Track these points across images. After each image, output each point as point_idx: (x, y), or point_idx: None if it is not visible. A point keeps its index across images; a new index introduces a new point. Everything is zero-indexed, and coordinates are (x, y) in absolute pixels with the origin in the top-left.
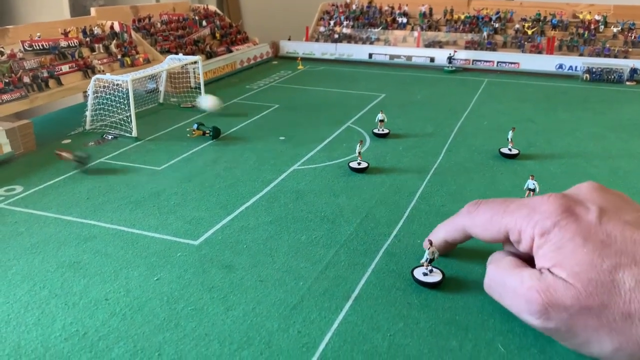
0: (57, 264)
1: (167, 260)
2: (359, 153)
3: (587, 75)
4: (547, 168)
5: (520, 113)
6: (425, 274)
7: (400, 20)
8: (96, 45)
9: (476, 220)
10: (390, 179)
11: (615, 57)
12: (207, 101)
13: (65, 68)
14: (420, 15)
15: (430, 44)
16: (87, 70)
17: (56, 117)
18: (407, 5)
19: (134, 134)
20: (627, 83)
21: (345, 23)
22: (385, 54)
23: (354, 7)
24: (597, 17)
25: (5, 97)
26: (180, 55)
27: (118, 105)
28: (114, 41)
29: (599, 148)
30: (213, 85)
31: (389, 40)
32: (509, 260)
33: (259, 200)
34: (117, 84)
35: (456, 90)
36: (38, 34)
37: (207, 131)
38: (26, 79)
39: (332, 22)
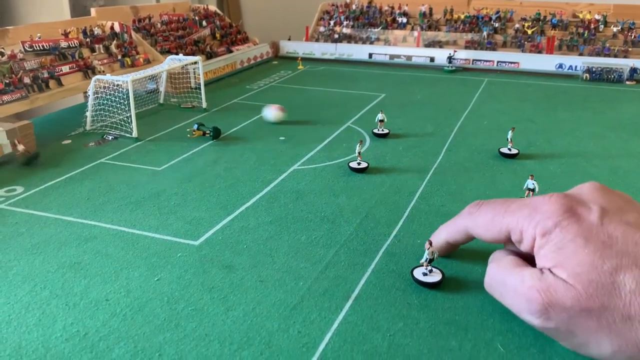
0: (57, 265)
1: (168, 261)
2: (359, 153)
3: (587, 75)
4: (546, 168)
5: (520, 113)
6: (425, 274)
7: (400, 20)
8: (96, 46)
9: (478, 220)
10: (390, 178)
11: (615, 56)
12: (271, 112)
13: (65, 69)
14: (420, 15)
15: (430, 44)
16: (88, 70)
17: (57, 118)
18: (407, 5)
19: (135, 134)
20: (627, 82)
21: (345, 23)
22: (385, 54)
23: (353, 7)
24: (597, 17)
25: (5, 97)
26: (181, 56)
27: (118, 105)
28: (114, 42)
29: (599, 148)
30: (213, 85)
31: (389, 40)
32: (510, 259)
33: (259, 201)
34: (118, 85)
35: (456, 90)
36: (38, 34)
37: (208, 131)
38: (26, 80)
39: (332, 22)
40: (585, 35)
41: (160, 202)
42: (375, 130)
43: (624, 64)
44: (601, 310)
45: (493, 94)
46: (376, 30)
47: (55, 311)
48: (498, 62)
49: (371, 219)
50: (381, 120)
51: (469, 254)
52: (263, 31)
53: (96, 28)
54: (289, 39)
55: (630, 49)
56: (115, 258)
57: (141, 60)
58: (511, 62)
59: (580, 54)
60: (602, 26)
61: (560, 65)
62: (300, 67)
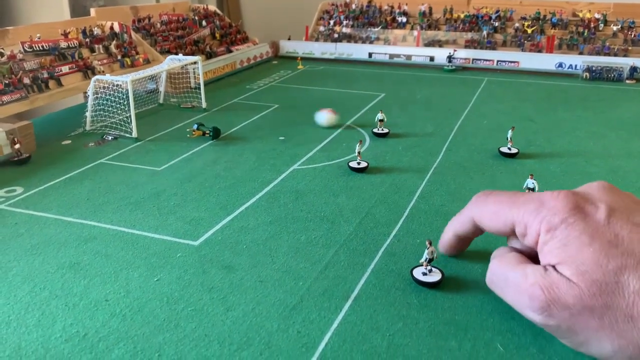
0: (57, 265)
1: (167, 261)
2: (359, 153)
3: (587, 74)
4: (546, 167)
5: (520, 112)
6: (424, 274)
7: (399, 19)
8: (96, 46)
9: (484, 210)
10: (389, 178)
11: (615, 55)
12: (323, 116)
13: (65, 69)
14: (419, 14)
15: (430, 43)
16: (87, 71)
17: (56, 118)
18: (406, 4)
19: (134, 134)
20: (627, 81)
21: (345, 22)
22: (385, 54)
23: (353, 6)
24: (596, 16)
25: (5, 98)
26: (180, 56)
27: (118, 105)
28: (114, 42)
29: (599, 147)
30: (213, 85)
31: (388, 39)
32: (513, 255)
33: (259, 201)
34: (117, 85)
35: (456, 89)
36: (38, 35)
37: (207, 131)
38: (26, 80)
39: (331, 22)
40: (585, 34)
41: (160, 202)
42: (375, 130)
43: (624, 62)
44: (604, 310)
45: (493, 93)
46: (376, 29)
47: (54, 312)
48: (498, 61)
49: (371, 218)
50: (381, 120)
51: (469, 254)
52: (263, 31)
53: (96, 28)
54: (289, 39)
55: (630, 48)
56: (114, 258)
57: (141, 60)
58: (511, 62)
59: (580, 53)
60: (602, 25)
61: (560, 65)
62: (300, 66)
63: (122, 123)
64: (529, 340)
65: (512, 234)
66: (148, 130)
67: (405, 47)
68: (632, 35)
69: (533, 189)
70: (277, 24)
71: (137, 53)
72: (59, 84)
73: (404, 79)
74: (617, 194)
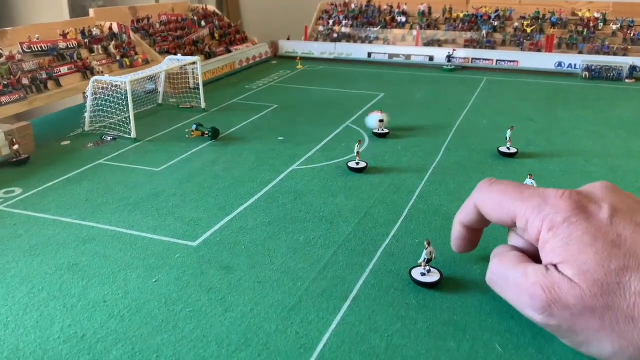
0: (56, 266)
1: (166, 262)
2: (358, 153)
3: (587, 73)
4: (546, 167)
5: (520, 112)
6: (423, 274)
7: (399, 19)
8: (95, 47)
9: (487, 198)
10: (388, 178)
11: (615, 54)
12: (373, 121)
13: (64, 69)
14: (419, 14)
15: (429, 43)
16: (86, 71)
17: (55, 119)
18: (406, 4)
19: (133, 135)
20: (627, 81)
21: (344, 22)
22: (385, 53)
23: (353, 6)
24: (596, 15)
25: (4, 99)
26: (179, 56)
27: (117, 106)
28: (113, 42)
29: (599, 146)
30: (212, 85)
31: (388, 39)
32: (514, 254)
33: (258, 201)
34: (116, 85)
35: (455, 89)
36: (37, 35)
37: (206, 132)
38: (25, 81)
39: (331, 22)
40: (585, 33)
41: (159, 203)
42: (375, 130)
43: (623, 62)
44: (605, 310)
45: (492, 92)
46: (375, 29)
47: (53, 313)
48: (497, 60)
49: (370, 219)
50: (380, 120)
51: (467, 254)
52: (262, 31)
53: (95, 29)
54: (288, 39)
55: (629, 47)
56: (113, 259)
57: (140, 60)
58: (510, 61)
59: (580, 52)
60: (601, 24)
61: (560, 64)
62: (299, 66)
63: (121, 124)
64: (527, 341)
65: (512, 225)
66: (147, 131)
67: (404, 46)
68: (632, 35)
69: None
70: (277, 24)
71: (136, 53)
72: (58, 84)
73: (403, 78)
74: (620, 195)
